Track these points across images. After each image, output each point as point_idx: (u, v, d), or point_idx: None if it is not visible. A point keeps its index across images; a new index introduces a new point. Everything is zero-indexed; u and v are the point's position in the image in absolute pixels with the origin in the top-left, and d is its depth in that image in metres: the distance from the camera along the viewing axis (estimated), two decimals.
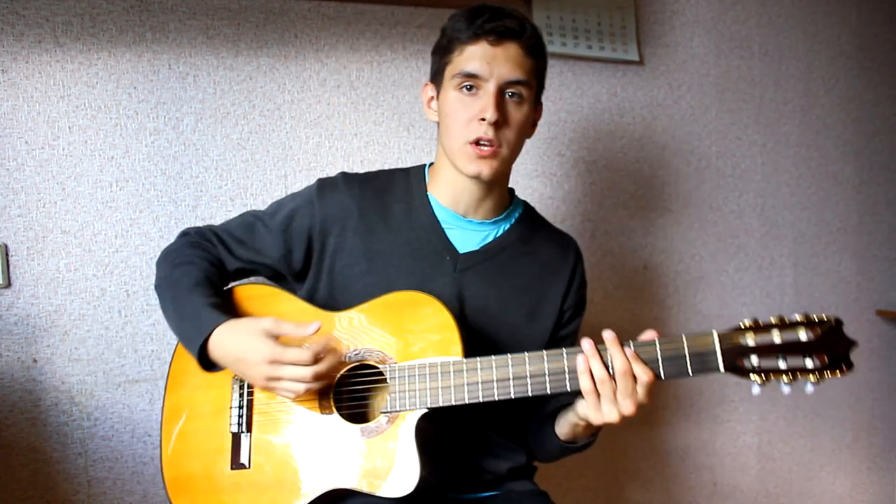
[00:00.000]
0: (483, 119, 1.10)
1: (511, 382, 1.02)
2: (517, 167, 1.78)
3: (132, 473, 1.47)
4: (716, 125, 2.00)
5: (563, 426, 1.13)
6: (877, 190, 2.22)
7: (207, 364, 1.07)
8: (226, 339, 1.04)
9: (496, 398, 1.02)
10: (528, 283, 1.21)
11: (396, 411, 1.04)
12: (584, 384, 1.00)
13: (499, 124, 1.11)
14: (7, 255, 1.38)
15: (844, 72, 2.16)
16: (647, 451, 1.97)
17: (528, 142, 1.79)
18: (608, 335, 1.01)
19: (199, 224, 1.51)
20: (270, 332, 1.03)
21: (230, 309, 1.14)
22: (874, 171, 2.21)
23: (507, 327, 1.18)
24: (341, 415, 1.07)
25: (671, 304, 1.97)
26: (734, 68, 2.01)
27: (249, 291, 1.18)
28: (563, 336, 1.25)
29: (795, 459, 2.15)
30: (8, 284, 1.39)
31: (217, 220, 1.51)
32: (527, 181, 1.80)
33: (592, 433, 1.14)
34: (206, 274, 1.14)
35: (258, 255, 1.20)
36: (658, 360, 1.00)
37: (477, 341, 1.12)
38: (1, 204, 1.38)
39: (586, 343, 1.01)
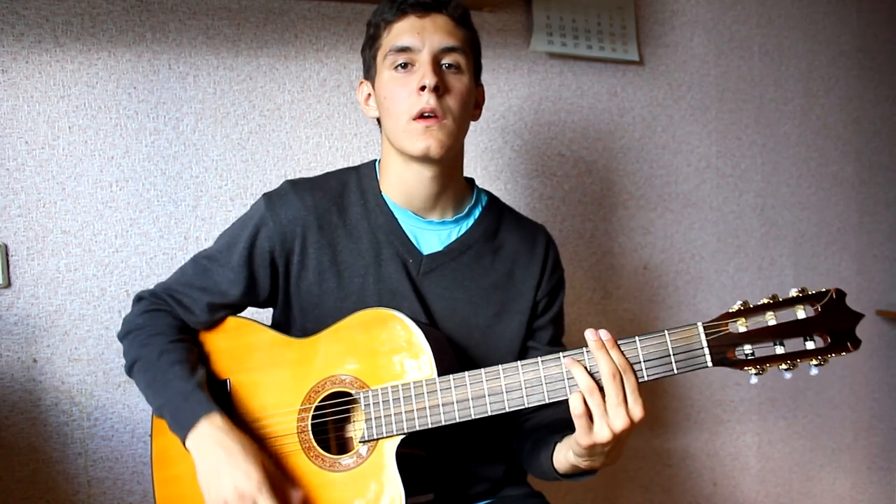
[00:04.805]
0: (423, 88, 1.05)
1: (487, 399, 0.98)
2: (518, 166, 1.79)
3: (132, 473, 1.47)
4: (716, 125, 2.00)
5: (563, 463, 1.05)
6: (877, 190, 2.22)
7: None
8: (212, 438, 0.98)
9: (473, 416, 0.98)
10: (497, 282, 1.17)
11: (374, 439, 1.02)
12: (574, 403, 0.92)
13: (439, 92, 1.05)
14: (7, 255, 1.38)
15: (844, 72, 2.16)
16: (647, 451, 1.97)
17: (528, 141, 1.81)
18: (591, 336, 0.94)
19: (199, 222, 1.52)
20: (268, 468, 0.99)
21: (207, 370, 1.10)
22: (874, 171, 2.21)
23: (477, 330, 1.15)
24: (322, 446, 1.05)
25: (671, 304, 1.97)
26: (734, 68, 2.01)
27: (217, 327, 1.15)
28: (540, 326, 1.21)
29: (795, 459, 2.15)
30: (8, 284, 1.39)
31: (217, 220, 1.52)
32: (527, 181, 1.80)
33: (593, 469, 1.03)
34: (180, 347, 1.08)
35: (223, 298, 1.13)
36: (640, 360, 0.93)
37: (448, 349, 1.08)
38: (1, 204, 1.38)
39: (565, 358, 0.96)
